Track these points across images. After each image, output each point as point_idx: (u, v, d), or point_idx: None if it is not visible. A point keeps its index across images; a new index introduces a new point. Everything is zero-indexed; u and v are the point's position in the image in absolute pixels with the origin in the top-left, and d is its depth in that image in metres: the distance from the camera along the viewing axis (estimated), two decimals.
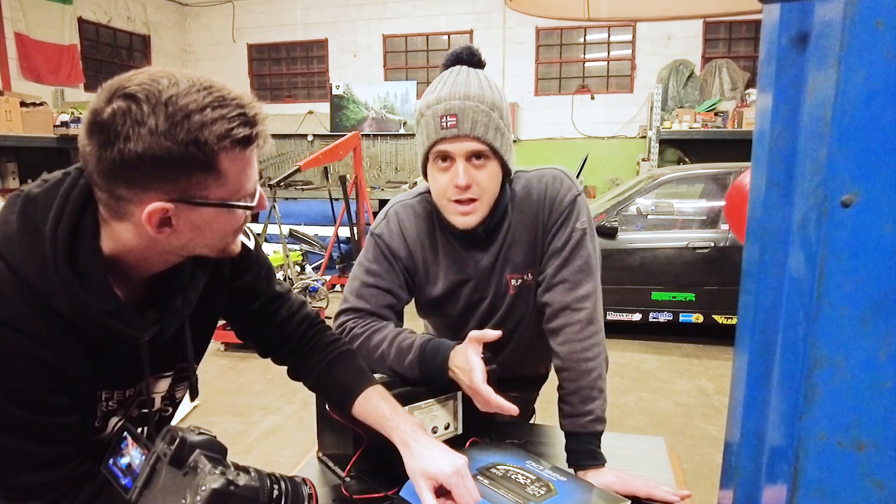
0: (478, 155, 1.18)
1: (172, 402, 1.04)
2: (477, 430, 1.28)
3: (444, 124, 1.16)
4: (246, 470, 0.78)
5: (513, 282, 1.31)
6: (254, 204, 0.85)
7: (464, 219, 1.22)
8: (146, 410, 0.97)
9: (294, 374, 1.17)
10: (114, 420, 0.94)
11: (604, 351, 1.24)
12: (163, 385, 1.00)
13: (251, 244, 1.06)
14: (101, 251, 0.81)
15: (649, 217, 5.29)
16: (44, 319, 0.78)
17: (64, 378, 0.81)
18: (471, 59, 1.23)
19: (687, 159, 8.38)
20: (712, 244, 4.77)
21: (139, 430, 0.95)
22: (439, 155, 1.19)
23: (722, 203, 4.68)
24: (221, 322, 1.11)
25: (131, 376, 0.92)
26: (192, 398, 1.05)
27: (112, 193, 0.77)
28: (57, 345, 0.79)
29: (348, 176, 6.04)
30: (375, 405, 1.06)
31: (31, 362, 0.77)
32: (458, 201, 1.20)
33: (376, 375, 1.22)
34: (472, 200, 1.20)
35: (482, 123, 1.16)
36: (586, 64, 9.73)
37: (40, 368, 0.78)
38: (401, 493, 1.07)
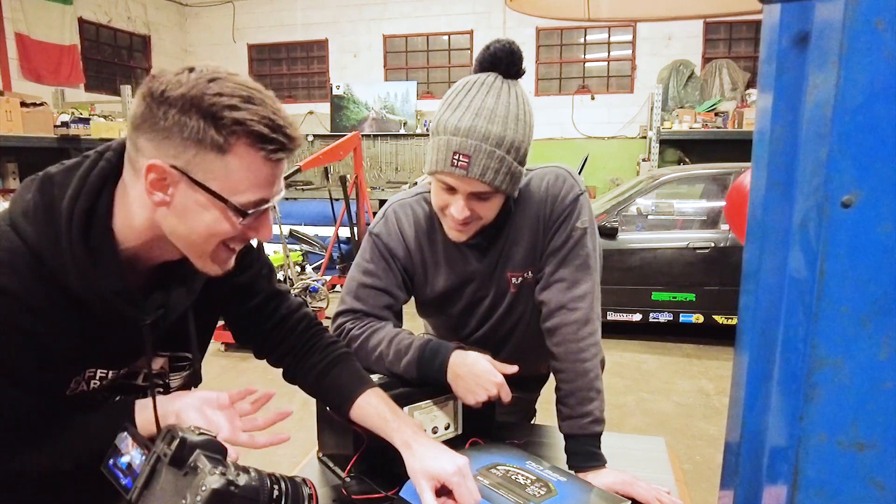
0: (481, 195, 1.15)
1: (166, 389, 1.04)
2: (477, 431, 1.28)
3: (454, 161, 1.10)
4: (246, 470, 0.78)
5: (513, 280, 1.31)
6: (249, 213, 0.82)
7: (457, 234, 1.22)
8: (132, 382, 0.98)
9: (290, 377, 1.17)
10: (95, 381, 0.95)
11: (600, 351, 1.24)
12: (156, 363, 1.00)
13: (254, 242, 1.06)
14: (113, 232, 0.84)
15: (650, 217, 5.30)
16: (47, 292, 0.80)
17: (49, 354, 0.83)
18: (509, 69, 1.14)
19: (687, 159, 8.38)
20: (712, 244, 4.77)
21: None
22: (444, 183, 1.16)
23: (722, 203, 4.68)
24: (221, 322, 1.11)
25: (128, 356, 0.93)
26: (195, 385, 1.06)
27: (136, 143, 0.80)
28: (53, 318, 0.81)
29: (348, 176, 6.04)
30: (375, 407, 1.07)
31: (20, 333, 0.79)
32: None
33: (374, 377, 1.22)
34: (468, 223, 1.19)
35: (493, 170, 1.11)
36: (586, 64, 9.73)
37: (28, 341, 0.80)
38: (401, 494, 1.07)
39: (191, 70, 0.79)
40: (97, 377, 0.92)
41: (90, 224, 0.81)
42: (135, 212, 0.83)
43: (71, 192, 0.81)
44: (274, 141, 0.79)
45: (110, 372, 0.93)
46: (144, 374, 1.00)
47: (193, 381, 1.06)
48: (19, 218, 0.81)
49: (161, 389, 1.03)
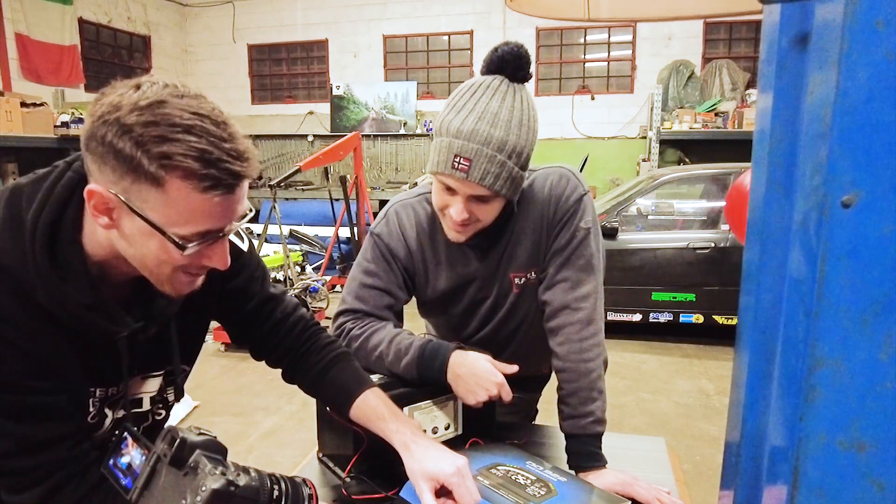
0: (481, 198, 1.15)
1: (165, 405, 1.03)
2: (477, 431, 1.28)
3: (455, 164, 1.11)
4: (246, 470, 0.78)
5: (516, 280, 1.31)
6: (189, 246, 0.77)
7: (455, 235, 1.22)
8: (135, 410, 0.96)
9: (289, 377, 1.16)
10: (108, 420, 0.94)
11: (603, 352, 1.24)
12: (151, 385, 0.99)
13: (244, 245, 1.05)
14: (81, 244, 0.81)
15: (650, 217, 5.30)
16: (24, 309, 0.78)
17: (46, 365, 0.81)
18: (515, 72, 1.14)
19: (687, 160, 8.38)
20: (712, 244, 4.77)
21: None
22: (444, 184, 1.17)
23: (722, 203, 4.68)
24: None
25: (115, 374, 0.91)
26: (177, 399, 1.04)
27: (85, 162, 0.77)
28: (37, 334, 0.80)
29: (348, 176, 6.04)
30: (374, 408, 1.06)
31: (8, 346, 0.78)
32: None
33: (374, 377, 1.22)
34: (467, 224, 1.19)
35: (493, 174, 1.11)
36: (586, 64, 9.73)
37: (17, 352, 0.79)
38: (401, 494, 1.07)
39: (137, 87, 0.73)
40: (97, 395, 0.91)
41: (56, 236, 0.79)
42: (100, 229, 0.80)
43: (36, 204, 0.78)
44: (208, 177, 0.72)
45: (98, 390, 0.90)
46: (151, 398, 0.99)
47: (176, 394, 1.04)
48: None
49: (161, 405, 1.03)
